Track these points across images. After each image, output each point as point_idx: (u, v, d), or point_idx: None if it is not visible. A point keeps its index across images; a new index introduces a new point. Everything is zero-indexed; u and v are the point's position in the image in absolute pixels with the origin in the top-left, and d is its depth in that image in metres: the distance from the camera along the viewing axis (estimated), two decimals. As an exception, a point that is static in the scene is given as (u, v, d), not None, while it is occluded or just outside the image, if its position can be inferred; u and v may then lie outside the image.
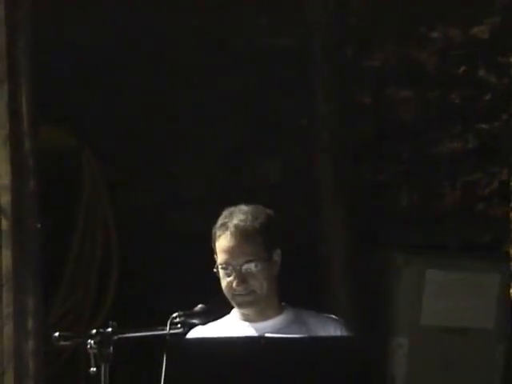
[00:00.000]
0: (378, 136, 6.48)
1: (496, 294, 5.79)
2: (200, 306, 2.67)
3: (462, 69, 6.56)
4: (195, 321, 2.59)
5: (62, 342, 2.54)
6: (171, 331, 2.51)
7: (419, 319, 5.45)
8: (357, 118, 6.47)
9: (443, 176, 6.27)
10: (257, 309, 2.68)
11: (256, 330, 2.61)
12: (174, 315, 2.43)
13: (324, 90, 6.12)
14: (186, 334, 2.58)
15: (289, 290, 2.94)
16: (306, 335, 2.65)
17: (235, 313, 2.71)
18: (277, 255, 2.67)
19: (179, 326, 2.53)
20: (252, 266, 2.64)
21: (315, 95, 6.12)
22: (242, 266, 2.64)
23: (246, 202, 2.64)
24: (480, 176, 6.04)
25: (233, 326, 2.70)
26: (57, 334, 2.52)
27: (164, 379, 2.53)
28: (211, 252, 2.72)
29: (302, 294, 3.83)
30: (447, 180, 6.18)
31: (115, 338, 2.38)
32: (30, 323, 4.26)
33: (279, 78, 6.61)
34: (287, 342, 2.52)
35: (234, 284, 2.63)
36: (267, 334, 2.54)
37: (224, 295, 2.68)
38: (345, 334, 2.55)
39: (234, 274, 2.67)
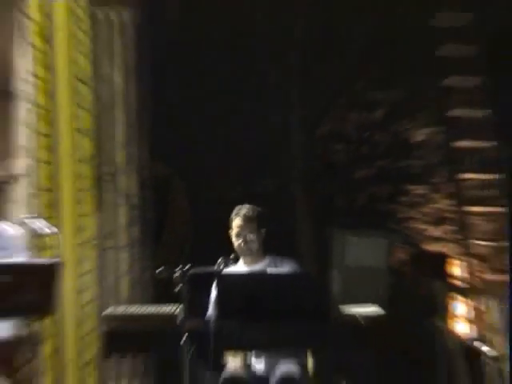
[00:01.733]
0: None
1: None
2: (232, 255, 5.23)
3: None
4: (229, 263, 5.16)
5: (164, 274, 4.85)
6: (219, 268, 5.03)
7: (344, 262, 7.67)
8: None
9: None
10: (251, 257, 5.43)
11: (251, 269, 5.38)
12: (219, 260, 5.03)
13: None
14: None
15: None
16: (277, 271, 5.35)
17: (240, 261, 5.44)
18: (263, 231, 5.40)
19: (222, 266, 5.08)
20: (251, 235, 5.36)
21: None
22: (246, 235, 5.34)
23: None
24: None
25: (240, 268, 5.44)
26: (161, 268, 4.82)
27: (215, 301, 4.93)
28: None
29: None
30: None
31: (191, 272, 4.63)
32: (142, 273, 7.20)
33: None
34: (276, 275, 5.16)
35: (242, 245, 5.37)
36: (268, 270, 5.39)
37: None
38: (297, 270, 5.30)
39: (241, 239, 5.36)
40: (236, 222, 5.70)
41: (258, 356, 5.55)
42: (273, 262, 5.77)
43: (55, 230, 5.38)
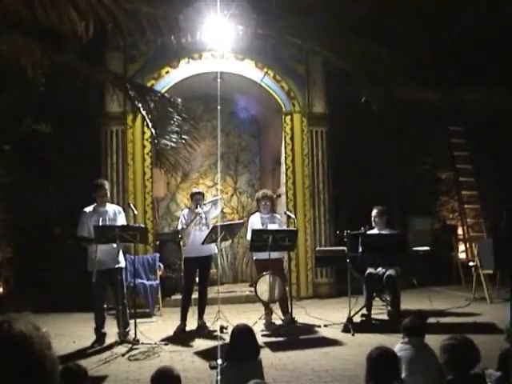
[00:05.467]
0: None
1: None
2: (367, 226, 9.87)
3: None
4: (367, 229, 9.85)
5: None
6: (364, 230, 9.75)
7: (413, 228, 13.42)
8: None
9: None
10: (380, 227, 9.49)
11: (379, 231, 9.55)
12: (362, 228, 9.57)
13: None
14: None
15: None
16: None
17: (375, 229, 9.58)
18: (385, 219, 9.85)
19: (364, 229, 9.52)
20: (383, 220, 9.58)
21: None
22: (379, 222, 9.57)
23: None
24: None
25: (373, 231, 9.59)
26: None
27: (360, 244, 9.07)
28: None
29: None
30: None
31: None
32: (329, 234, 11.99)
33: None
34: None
35: (375, 221, 9.60)
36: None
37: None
38: (395, 232, 10.79)
39: (377, 227, 9.54)
40: (373, 213, 9.80)
41: (379, 267, 9.51)
42: (385, 229, 9.57)
43: (294, 216, 11.11)
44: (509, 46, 12.56)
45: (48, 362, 1.76)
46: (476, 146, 13.65)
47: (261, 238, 8.76)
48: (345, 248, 9.17)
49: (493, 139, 13.68)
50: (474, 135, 13.63)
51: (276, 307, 9.31)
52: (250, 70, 11.86)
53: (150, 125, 8.18)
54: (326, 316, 9.90)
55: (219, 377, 4.94)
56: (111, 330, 8.51)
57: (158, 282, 10.52)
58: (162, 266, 10.86)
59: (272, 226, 9.41)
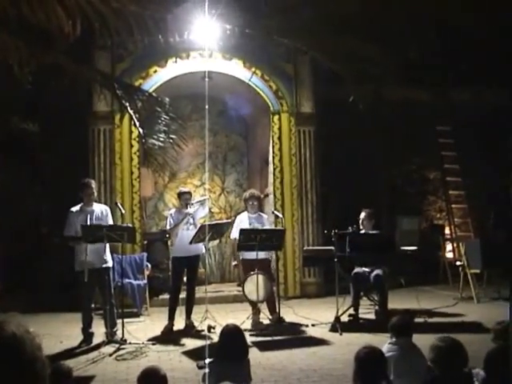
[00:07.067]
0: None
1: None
2: (355, 226, 10.39)
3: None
4: (354, 228, 9.72)
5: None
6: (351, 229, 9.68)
7: (401, 227, 13.46)
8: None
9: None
10: (366, 229, 9.49)
11: (366, 231, 9.61)
12: (350, 228, 9.51)
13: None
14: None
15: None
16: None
17: (362, 230, 9.69)
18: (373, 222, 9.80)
19: (351, 228, 9.46)
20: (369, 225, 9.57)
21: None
22: (367, 225, 9.59)
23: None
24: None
25: (362, 231, 9.79)
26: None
27: (348, 244, 9.25)
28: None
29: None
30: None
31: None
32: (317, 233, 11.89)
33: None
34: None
35: (364, 224, 9.59)
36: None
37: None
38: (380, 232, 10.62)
39: (365, 229, 9.50)
40: (362, 215, 9.71)
41: (366, 267, 9.51)
42: (371, 228, 9.84)
43: (281, 215, 11.12)
44: (505, 47, 12.59)
45: (39, 363, 1.77)
46: (465, 146, 13.71)
47: (248, 238, 8.79)
48: (332, 248, 9.15)
49: (482, 139, 13.79)
50: (463, 135, 13.67)
51: (263, 307, 9.32)
52: (238, 70, 11.87)
53: (138, 124, 8.16)
54: (313, 315, 9.90)
55: (207, 376, 4.98)
56: (99, 330, 8.49)
57: (145, 281, 10.50)
58: (149, 265, 10.85)
59: (259, 226, 9.45)
